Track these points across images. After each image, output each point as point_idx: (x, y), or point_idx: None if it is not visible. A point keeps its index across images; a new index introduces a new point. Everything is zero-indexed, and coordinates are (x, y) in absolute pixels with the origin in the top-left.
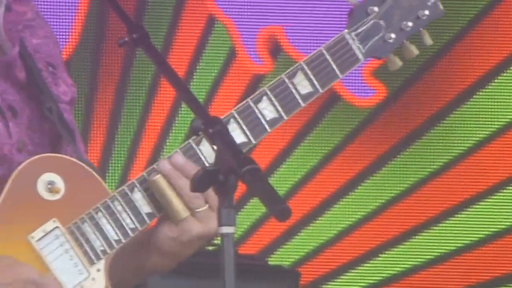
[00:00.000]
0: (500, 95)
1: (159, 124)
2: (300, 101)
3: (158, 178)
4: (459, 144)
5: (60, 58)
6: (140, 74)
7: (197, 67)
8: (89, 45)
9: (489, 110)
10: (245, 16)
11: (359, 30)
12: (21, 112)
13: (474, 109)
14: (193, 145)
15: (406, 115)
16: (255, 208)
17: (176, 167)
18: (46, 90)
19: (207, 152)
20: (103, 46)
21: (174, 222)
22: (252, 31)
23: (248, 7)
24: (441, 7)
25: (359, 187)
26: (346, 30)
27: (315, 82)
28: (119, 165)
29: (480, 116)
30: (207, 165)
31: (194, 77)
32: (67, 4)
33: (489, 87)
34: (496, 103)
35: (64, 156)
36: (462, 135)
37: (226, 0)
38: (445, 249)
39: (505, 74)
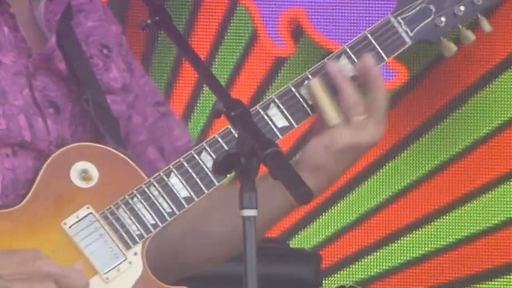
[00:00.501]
0: None
1: (181, 107)
2: (309, 110)
3: (315, 81)
4: (481, 128)
5: (116, 39)
6: (162, 56)
7: (219, 50)
8: None
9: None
10: None
11: (406, 14)
12: (63, 108)
13: (496, 93)
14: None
15: (428, 97)
16: None
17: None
18: (87, 80)
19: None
20: (124, 29)
21: (326, 127)
22: (275, 13)
23: None
24: None
25: (380, 171)
26: (392, 14)
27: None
28: None
29: (502, 99)
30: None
31: (216, 59)
32: None
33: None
34: None
35: (97, 144)
36: (484, 118)
37: None
38: (467, 232)
39: None
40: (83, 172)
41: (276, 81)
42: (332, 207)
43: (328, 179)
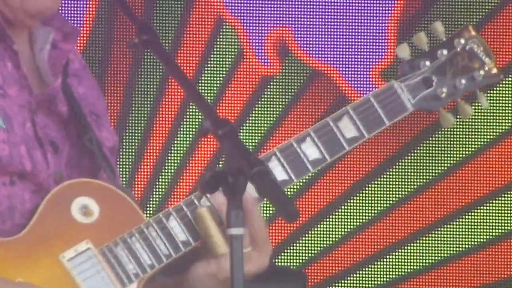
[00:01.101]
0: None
1: (168, 126)
2: (345, 144)
3: (204, 210)
4: (477, 139)
5: (104, 111)
6: (149, 75)
7: (206, 68)
8: (98, 46)
9: (504, 107)
10: (253, 18)
11: (409, 82)
12: (62, 148)
13: (493, 104)
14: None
15: (413, 117)
16: (261, 210)
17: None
18: (86, 124)
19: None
20: (111, 48)
21: (213, 256)
22: (260, 32)
23: (257, 8)
24: (499, 76)
25: (366, 189)
26: (396, 80)
27: (361, 127)
28: (127, 167)
29: (498, 111)
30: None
31: (202, 78)
32: (75, 6)
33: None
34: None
35: (99, 181)
36: (479, 130)
37: (234, 2)
38: (453, 251)
39: None
40: (84, 207)
41: (262, 99)
42: (318, 226)
43: None
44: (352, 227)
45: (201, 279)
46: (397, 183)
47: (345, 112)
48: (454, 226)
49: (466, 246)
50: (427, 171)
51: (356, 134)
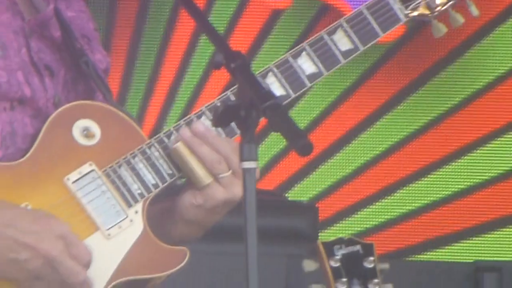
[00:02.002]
0: None
1: (178, 58)
2: (340, 57)
3: (179, 145)
4: (479, 80)
5: (94, 33)
6: (159, 6)
7: (216, 2)
8: None
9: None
10: None
11: None
12: (57, 72)
13: (494, 45)
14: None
15: (424, 50)
16: (272, 144)
17: (196, 135)
18: (81, 48)
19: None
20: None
21: (198, 189)
22: None
23: None
24: None
25: (377, 123)
26: None
27: (355, 40)
28: (137, 100)
29: (500, 51)
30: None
31: (213, 11)
32: None
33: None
34: None
35: (99, 103)
36: (481, 71)
37: None
38: (462, 186)
39: None
40: (85, 129)
41: (272, 33)
42: (329, 160)
43: (203, 229)
44: (363, 160)
45: (190, 210)
46: (409, 116)
47: (339, 25)
48: (469, 159)
49: (483, 177)
50: (441, 103)
51: (351, 47)
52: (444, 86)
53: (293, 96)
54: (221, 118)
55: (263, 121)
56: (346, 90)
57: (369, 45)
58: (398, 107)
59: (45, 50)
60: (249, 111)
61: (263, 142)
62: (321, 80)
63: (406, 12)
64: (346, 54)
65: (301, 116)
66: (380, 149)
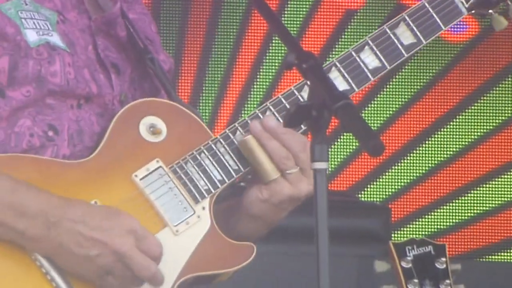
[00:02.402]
0: None
1: (251, 59)
2: (403, 51)
3: (249, 138)
4: None
5: (156, 36)
6: (232, 7)
7: (289, 2)
8: None
9: None
10: None
11: None
12: (123, 70)
13: None
14: (295, 91)
15: (498, 50)
16: (345, 144)
17: (267, 129)
18: (146, 47)
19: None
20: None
21: (264, 183)
22: None
23: None
24: None
25: (450, 124)
26: None
27: (418, 33)
28: (209, 101)
29: None
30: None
31: (286, 12)
32: None
33: None
34: None
35: (165, 100)
36: None
37: None
38: None
39: None
40: (152, 126)
41: (346, 33)
42: (402, 161)
43: (268, 226)
44: (436, 161)
45: (255, 205)
46: (482, 117)
47: (401, 19)
48: None
49: None
50: (502, 112)
51: (413, 41)
52: (509, 91)
53: (357, 90)
54: (293, 118)
55: (335, 121)
56: (418, 91)
57: (431, 38)
58: (470, 108)
59: (111, 49)
60: (320, 112)
61: (336, 143)
62: (394, 80)
63: (468, 5)
64: (409, 48)
65: (374, 116)
66: (453, 150)
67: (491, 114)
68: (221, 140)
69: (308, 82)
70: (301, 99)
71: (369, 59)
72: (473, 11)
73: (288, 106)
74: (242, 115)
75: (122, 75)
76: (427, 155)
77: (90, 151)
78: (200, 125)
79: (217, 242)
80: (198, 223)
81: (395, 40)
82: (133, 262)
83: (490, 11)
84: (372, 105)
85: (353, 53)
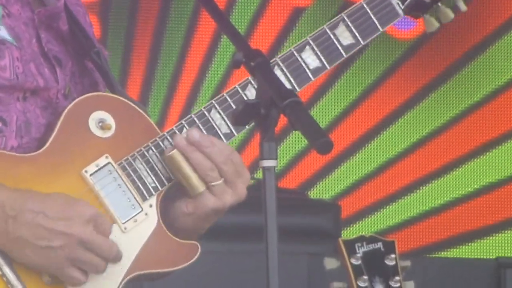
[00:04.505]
0: None
1: (199, 58)
2: (342, 51)
3: (174, 153)
4: (502, 76)
5: (90, 28)
6: (180, 6)
7: (237, 0)
8: None
9: None
10: None
11: None
12: (65, 64)
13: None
14: (239, 89)
15: (446, 47)
16: (295, 142)
17: (191, 143)
18: (90, 40)
19: (253, 97)
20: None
21: (191, 197)
22: None
23: None
24: None
25: (399, 121)
26: None
27: (357, 34)
28: (159, 99)
29: None
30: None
31: (234, 10)
32: None
33: None
34: None
35: (113, 95)
36: (504, 66)
37: None
38: (484, 183)
39: None
40: (101, 121)
41: (294, 31)
42: (351, 158)
43: (196, 235)
44: (385, 158)
45: (179, 219)
46: (430, 114)
47: (340, 19)
48: (491, 156)
49: (505, 174)
50: (463, 100)
51: (352, 41)
52: (466, 83)
53: (298, 90)
54: (241, 116)
55: (284, 119)
56: (367, 89)
57: (369, 39)
58: (419, 105)
59: (53, 42)
60: (268, 109)
61: (285, 140)
62: (343, 77)
63: (403, 8)
64: (348, 48)
65: (323, 114)
66: (402, 146)
67: (439, 111)
68: (168, 137)
69: (252, 81)
70: (245, 98)
71: (310, 59)
72: (409, 13)
73: (232, 105)
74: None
75: (64, 69)
76: (376, 152)
77: (36, 143)
78: (148, 121)
79: (164, 240)
80: (145, 221)
81: (335, 41)
82: (96, 246)
83: (424, 14)
84: (321, 103)
85: (294, 52)
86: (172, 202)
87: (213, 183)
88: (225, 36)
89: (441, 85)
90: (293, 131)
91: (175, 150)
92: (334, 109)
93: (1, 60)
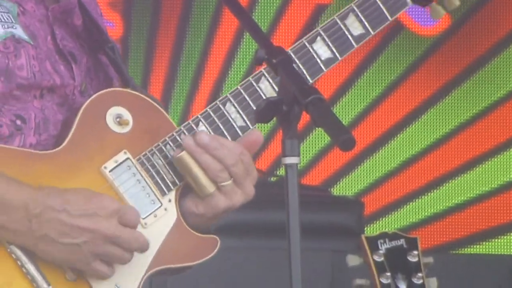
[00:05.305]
0: None
1: (222, 55)
2: (353, 42)
3: (183, 154)
4: None
5: (101, 18)
6: (203, 4)
7: None
8: None
9: None
10: None
11: None
12: (80, 59)
13: None
14: (253, 82)
15: (470, 43)
16: (318, 139)
17: (199, 145)
18: (105, 35)
19: (267, 90)
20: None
21: (201, 197)
22: None
23: None
24: None
25: (422, 117)
26: None
27: (366, 24)
28: (181, 97)
29: None
30: None
31: (257, 7)
32: None
33: None
34: None
35: (129, 90)
36: None
37: None
38: (508, 179)
39: None
40: (118, 117)
41: (316, 27)
42: (374, 155)
43: (204, 230)
44: (409, 155)
45: (190, 218)
46: (455, 110)
47: (350, 9)
48: (506, 156)
49: None
50: (487, 95)
51: (362, 31)
52: (490, 79)
53: (311, 82)
54: (263, 113)
55: (307, 116)
56: (390, 85)
57: (379, 29)
58: (442, 102)
59: (67, 38)
60: (291, 106)
61: (308, 137)
62: (366, 74)
63: None
64: (358, 38)
65: (345, 111)
66: (425, 143)
67: (463, 107)
68: (184, 131)
69: (265, 73)
70: (259, 90)
71: (322, 50)
72: (417, 2)
73: (246, 97)
74: None
75: (79, 65)
76: (399, 148)
77: (54, 139)
78: (164, 115)
79: (183, 235)
80: (165, 216)
81: (345, 31)
82: (122, 239)
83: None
84: (344, 99)
85: (306, 43)
86: (183, 199)
87: (223, 184)
88: (247, 34)
89: (465, 81)
90: (316, 128)
91: (183, 152)
92: (357, 106)
93: (18, 60)
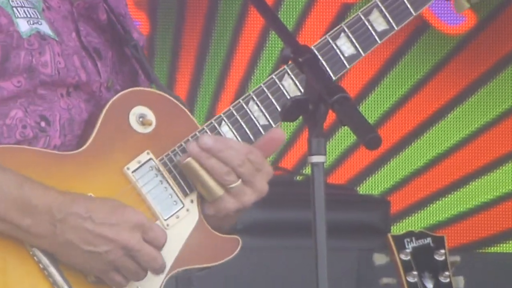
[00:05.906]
0: None
1: (248, 54)
2: (376, 38)
3: (189, 160)
4: None
5: (126, 8)
6: (229, 3)
7: None
8: None
9: None
10: None
11: None
12: (105, 55)
13: None
14: (276, 80)
15: (496, 42)
16: (344, 138)
17: (204, 149)
18: (128, 31)
19: (290, 87)
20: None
21: (210, 201)
22: None
23: None
24: None
25: (448, 116)
26: None
27: (390, 19)
28: (207, 96)
29: None
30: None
31: (283, 6)
32: None
33: None
34: None
35: (152, 89)
36: None
37: None
38: None
39: None
40: (141, 116)
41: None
42: (401, 153)
43: (228, 230)
44: (435, 153)
45: (206, 218)
46: (480, 109)
47: (374, 5)
48: None
49: None
50: (500, 104)
51: (386, 27)
52: None
53: (334, 79)
54: (289, 112)
55: (333, 115)
56: (416, 84)
57: (403, 24)
58: (468, 100)
59: (92, 33)
60: (317, 105)
61: (335, 136)
62: (392, 73)
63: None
64: (382, 34)
65: (372, 109)
66: (452, 142)
67: (489, 106)
68: (207, 131)
69: (288, 70)
70: (282, 88)
71: (345, 47)
72: None
73: (269, 95)
74: None
75: (104, 60)
76: (425, 147)
77: (77, 139)
78: (187, 115)
79: (205, 235)
80: (187, 217)
81: (369, 27)
82: (141, 255)
83: None
84: (370, 98)
85: (330, 40)
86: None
87: (231, 186)
88: (273, 32)
89: (491, 80)
90: (342, 127)
91: (190, 158)
92: (383, 105)
93: (42, 56)
